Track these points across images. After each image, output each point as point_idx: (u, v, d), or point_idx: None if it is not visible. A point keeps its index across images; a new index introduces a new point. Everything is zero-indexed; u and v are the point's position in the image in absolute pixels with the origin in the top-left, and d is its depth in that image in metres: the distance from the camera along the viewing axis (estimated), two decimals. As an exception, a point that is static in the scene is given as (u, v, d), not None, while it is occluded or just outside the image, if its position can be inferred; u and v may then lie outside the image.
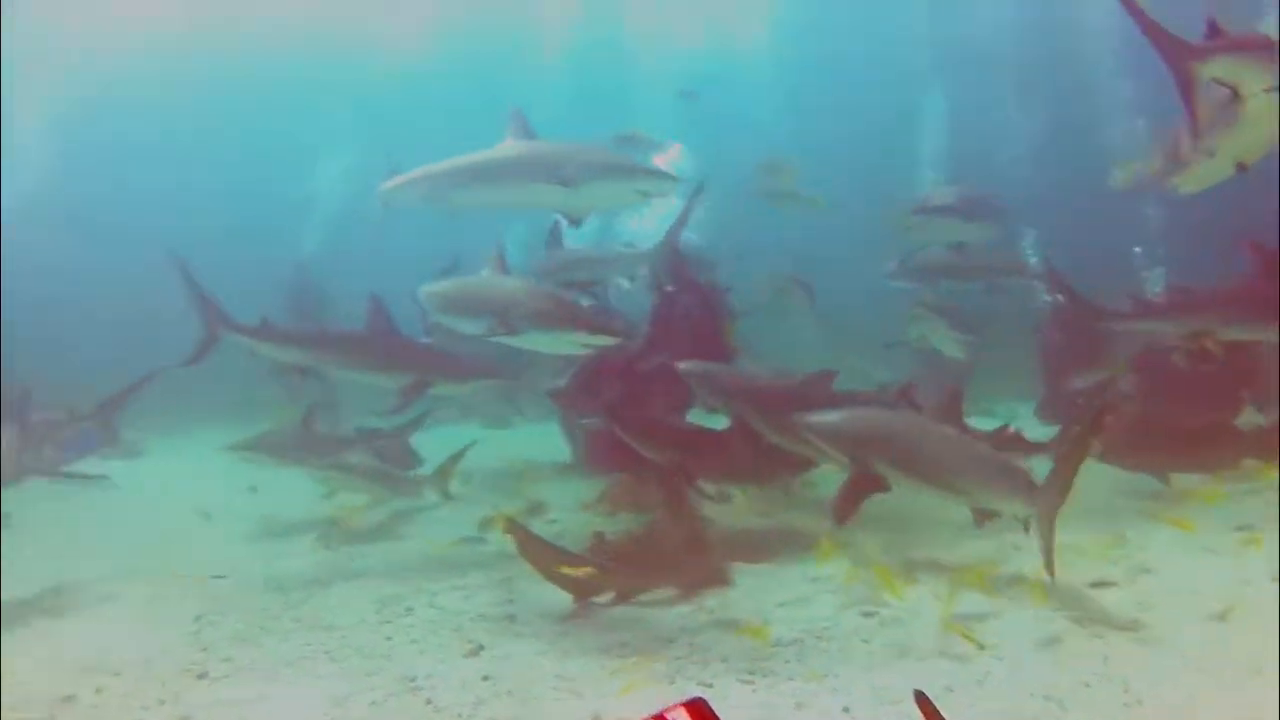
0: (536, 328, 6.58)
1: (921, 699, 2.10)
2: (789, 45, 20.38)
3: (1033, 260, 10.83)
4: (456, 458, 8.57)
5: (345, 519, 8.22)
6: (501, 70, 18.44)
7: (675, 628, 5.43)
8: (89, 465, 8.87)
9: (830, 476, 7.45)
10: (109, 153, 20.76)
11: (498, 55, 19.70)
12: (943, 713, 2.07)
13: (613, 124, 10.80)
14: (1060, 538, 5.07)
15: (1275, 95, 5.30)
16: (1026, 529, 5.31)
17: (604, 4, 20.31)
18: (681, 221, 8.64)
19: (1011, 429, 7.69)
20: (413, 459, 9.80)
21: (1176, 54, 5.41)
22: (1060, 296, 8.53)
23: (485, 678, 4.77)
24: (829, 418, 5.92)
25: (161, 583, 6.67)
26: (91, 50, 18.92)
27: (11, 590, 6.37)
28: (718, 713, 1.82)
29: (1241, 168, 6.18)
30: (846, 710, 4.28)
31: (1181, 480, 7.55)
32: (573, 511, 8.43)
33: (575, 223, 7.69)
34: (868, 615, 5.46)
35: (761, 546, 6.93)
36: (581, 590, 5.81)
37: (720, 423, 7.40)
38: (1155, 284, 9.91)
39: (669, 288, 8.98)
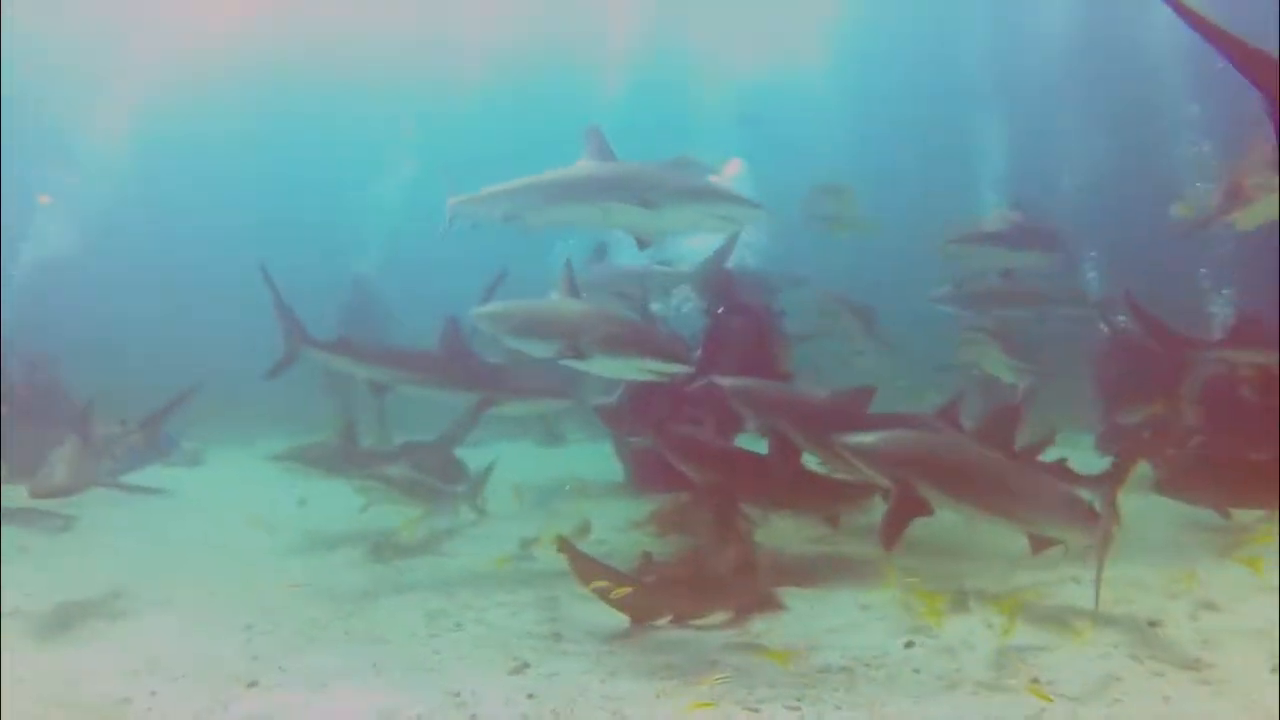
0: (606, 353, 6.47)
1: None
2: (850, 70, 20.25)
3: (1093, 287, 10.64)
4: (485, 475, 9.14)
5: (400, 531, 8.25)
6: (566, 99, 18.51)
7: (722, 651, 5.38)
8: (150, 474, 9.08)
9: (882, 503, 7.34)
10: (186, 159, 21.30)
11: (563, 84, 19.85)
12: None
13: (671, 149, 10.80)
14: (1121, 571, 4.93)
15: None
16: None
17: (669, 33, 20.37)
18: (730, 244, 8.59)
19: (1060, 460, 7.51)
20: (459, 473, 9.81)
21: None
22: (1139, 325, 8.31)
23: (530, 695, 4.75)
24: (868, 438, 5.81)
25: (215, 590, 6.81)
26: (169, 58, 19.27)
27: (72, 592, 6.57)
28: None
29: None
30: (895, 742, 4.20)
31: (1242, 515, 7.31)
32: (622, 531, 8.41)
33: (644, 245, 7.50)
34: (919, 644, 5.35)
35: (812, 572, 6.87)
36: (639, 613, 5.78)
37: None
38: (1223, 308, 9.67)
39: (719, 310, 8.94)
